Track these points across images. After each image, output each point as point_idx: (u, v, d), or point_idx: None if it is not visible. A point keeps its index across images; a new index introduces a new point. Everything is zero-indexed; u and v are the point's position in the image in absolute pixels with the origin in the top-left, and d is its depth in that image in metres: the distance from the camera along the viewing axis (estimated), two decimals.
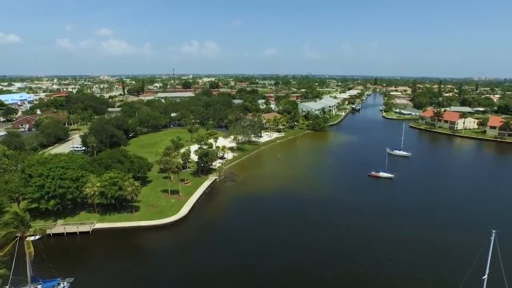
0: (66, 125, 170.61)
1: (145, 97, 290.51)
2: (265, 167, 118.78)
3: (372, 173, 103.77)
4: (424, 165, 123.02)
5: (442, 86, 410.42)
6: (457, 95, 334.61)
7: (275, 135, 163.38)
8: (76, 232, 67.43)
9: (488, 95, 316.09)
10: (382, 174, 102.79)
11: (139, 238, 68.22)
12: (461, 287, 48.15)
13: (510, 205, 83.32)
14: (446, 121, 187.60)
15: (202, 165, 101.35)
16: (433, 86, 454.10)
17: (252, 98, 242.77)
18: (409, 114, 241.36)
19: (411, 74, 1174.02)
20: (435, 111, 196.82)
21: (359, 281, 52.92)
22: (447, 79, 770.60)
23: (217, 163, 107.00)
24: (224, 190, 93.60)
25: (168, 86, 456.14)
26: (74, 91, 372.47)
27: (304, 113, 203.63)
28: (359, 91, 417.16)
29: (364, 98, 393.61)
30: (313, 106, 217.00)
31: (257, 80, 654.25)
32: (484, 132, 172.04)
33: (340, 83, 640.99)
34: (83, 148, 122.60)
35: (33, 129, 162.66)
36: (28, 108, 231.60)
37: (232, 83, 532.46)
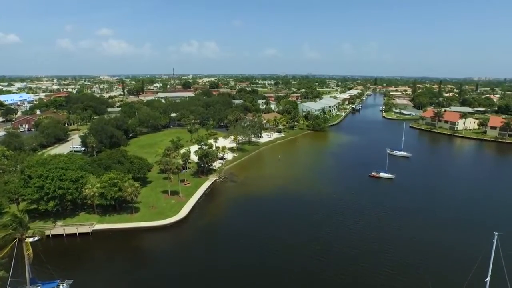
0: (66, 125, 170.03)
1: (145, 97, 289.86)
2: (265, 167, 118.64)
3: (373, 173, 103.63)
4: (424, 166, 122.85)
5: (442, 86, 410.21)
6: (457, 95, 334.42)
7: (275, 135, 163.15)
8: (76, 233, 67.16)
9: (488, 95, 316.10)
10: (382, 174, 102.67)
11: (139, 239, 68.03)
12: None
13: (511, 205, 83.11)
14: (446, 122, 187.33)
15: (202, 165, 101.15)
16: (433, 86, 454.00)
17: (252, 98, 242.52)
18: (409, 114, 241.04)
19: (411, 74, 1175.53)
20: (435, 111, 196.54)
21: (359, 282, 52.75)
22: (447, 79, 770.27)
23: (217, 164, 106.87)
24: (224, 190, 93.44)
25: (168, 86, 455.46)
26: (74, 91, 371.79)
27: (304, 113, 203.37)
28: (359, 91, 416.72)
29: (364, 98, 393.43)
30: (313, 106, 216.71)
31: (257, 80, 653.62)
32: (485, 132, 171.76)
33: (340, 83, 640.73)
34: (83, 148, 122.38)
35: (33, 129, 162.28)
36: (27, 108, 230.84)
37: (232, 83, 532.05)
